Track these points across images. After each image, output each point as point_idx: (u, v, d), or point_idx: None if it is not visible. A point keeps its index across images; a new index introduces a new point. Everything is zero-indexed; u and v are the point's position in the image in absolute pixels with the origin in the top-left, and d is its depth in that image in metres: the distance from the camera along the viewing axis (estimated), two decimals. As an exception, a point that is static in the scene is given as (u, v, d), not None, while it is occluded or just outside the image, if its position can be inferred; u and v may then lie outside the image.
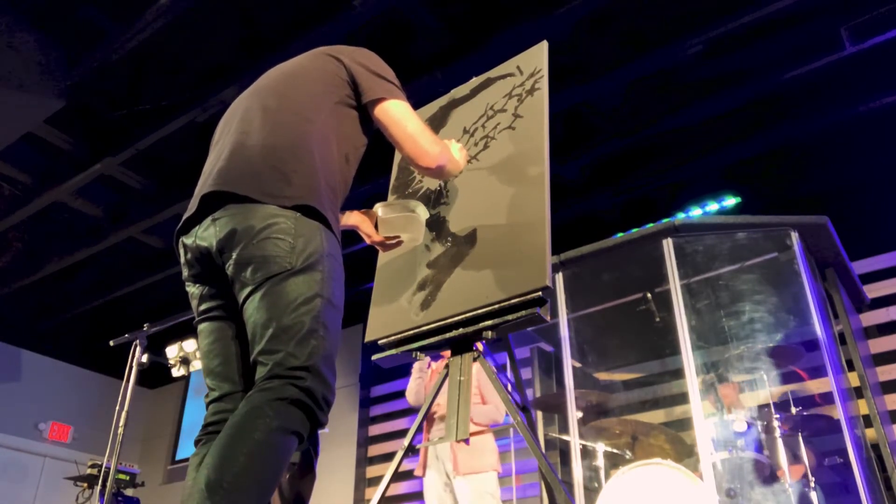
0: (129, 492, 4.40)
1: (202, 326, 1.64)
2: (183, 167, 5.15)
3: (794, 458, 3.37)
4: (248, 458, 1.27)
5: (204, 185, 1.61)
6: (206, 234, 1.54)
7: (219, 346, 1.59)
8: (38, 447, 7.21)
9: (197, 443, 1.54)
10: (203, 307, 1.63)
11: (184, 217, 1.62)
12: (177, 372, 5.24)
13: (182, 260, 1.65)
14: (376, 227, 2.10)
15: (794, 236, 3.40)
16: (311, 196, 1.55)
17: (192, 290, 1.65)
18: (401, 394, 6.32)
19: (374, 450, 6.29)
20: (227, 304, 1.59)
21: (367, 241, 2.12)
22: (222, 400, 1.56)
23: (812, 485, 3.22)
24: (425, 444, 3.81)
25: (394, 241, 2.11)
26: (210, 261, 1.55)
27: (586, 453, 3.63)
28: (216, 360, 1.58)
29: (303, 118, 1.67)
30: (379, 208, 2.05)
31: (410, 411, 6.19)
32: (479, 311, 2.06)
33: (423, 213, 2.06)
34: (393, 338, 2.28)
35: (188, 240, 1.59)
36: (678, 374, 3.68)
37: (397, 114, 1.79)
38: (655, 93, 4.40)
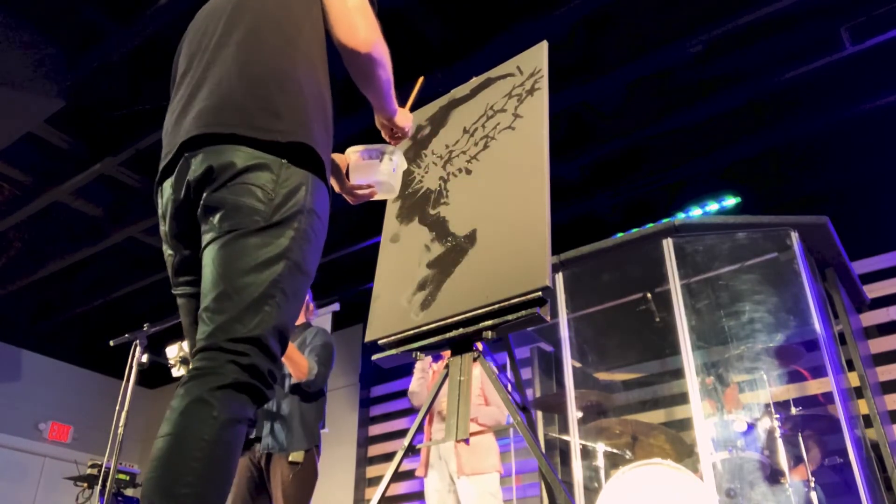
0: (129, 492, 4.40)
1: (181, 301, 1.48)
2: (183, 167, 5.15)
3: (795, 458, 3.37)
4: (201, 464, 1.14)
5: (180, 125, 1.44)
6: (184, 174, 1.39)
7: (196, 328, 1.43)
8: (38, 447, 7.21)
9: None
10: (177, 280, 1.48)
11: (161, 165, 1.47)
12: (177, 372, 5.21)
13: (159, 212, 1.49)
14: (348, 175, 1.83)
15: (794, 236, 3.40)
16: (303, 132, 1.39)
17: (168, 252, 1.49)
18: (401, 394, 6.33)
19: (374, 450, 6.30)
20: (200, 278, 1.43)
21: (336, 189, 1.83)
22: None
23: (812, 484, 3.22)
24: (427, 444, 3.80)
25: (366, 191, 1.82)
26: (186, 207, 1.40)
27: (586, 453, 3.63)
28: (193, 341, 1.41)
29: (285, 42, 1.49)
30: (351, 151, 1.83)
31: (410, 411, 6.19)
32: (479, 311, 2.07)
33: (400, 160, 1.83)
34: (393, 338, 2.28)
35: (167, 187, 1.45)
36: (678, 374, 3.68)
37: None
38: (655, 93, 4.40)
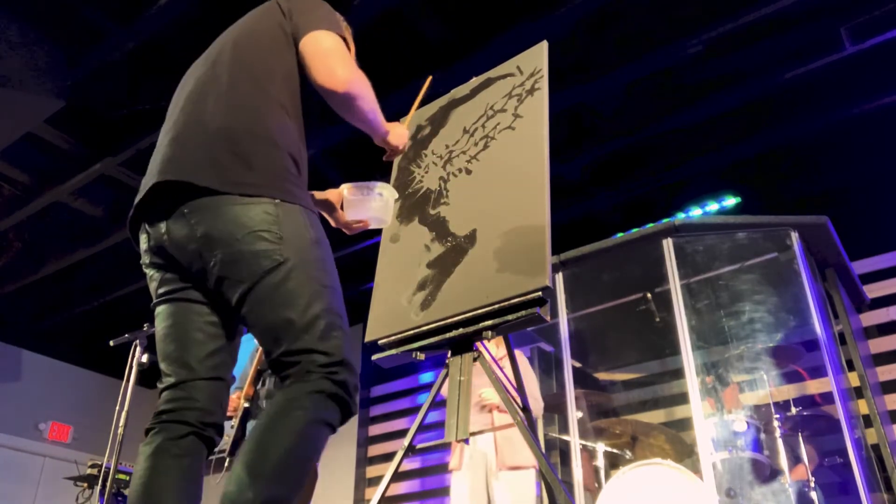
0: (128, 492, 4.39)
1: (161, 308, 1.57)
2: (183, 167, 5.14)
3: (795, 458, 3.37)
4: (287, 451, 1.30)
5: (155, 169, 1.53)
6: (179, 230, 1.48)
7: (177, 330, 1.54)
8: (38, 447, 7.20)
9: (148, 431, 1.49)
10: (163, 290, 1.56)
11: (136, 200, 1.55)
12: (177, 372, 5.22)
13: (143, 247, 1.58)
14: (342, 207, 1.98)
15: (794, 236, 3.40)
16: (274, 183, 1.49)
17: (152, 273, 1.59)
18: (401, 394, 6.34)
19: (374, 450, 6.30)
20: (190, 287, 1.54)
21: (332, 223, 1.98)
22: (178, 387, 1.52)
23: (812, 485, 3.22)
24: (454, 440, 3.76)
25: (360, 225, 1.97)
26: (181, 252, 1.50)
27: (586, 453, 3.63)
28: (173, 344, 1.54)
29: (258, 90, 1.58)
30: (345, 188, 1.97)
31: (410, 411, 6.19)
32: (479, 311, 2.07)
33: (390, 194, 1.98)
34: (393, 338, 2.28)
35: (155, 231, 1.53)
36: (678, 374, 3.69)
37: (318, 37, 1.61)
38: (655, 93, 4.40)
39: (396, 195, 2.00)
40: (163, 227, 1.50)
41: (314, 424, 1.36)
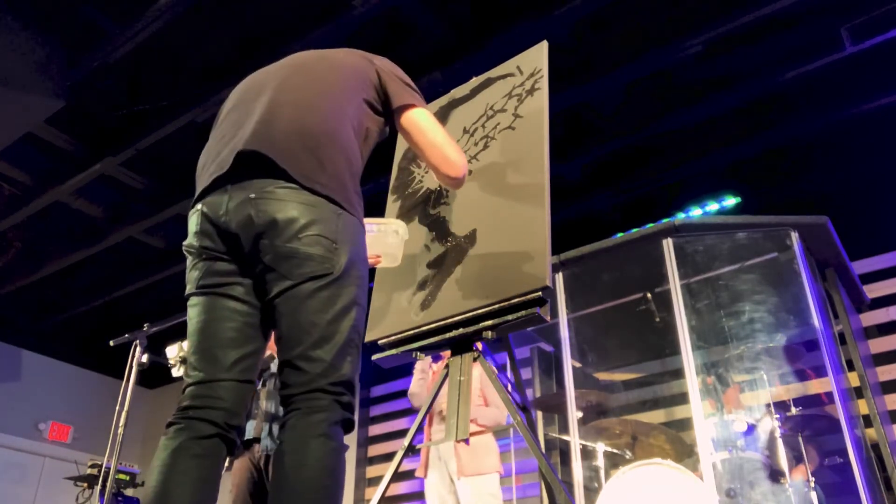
0: (129, 492, 4.39)
1: (197, 300, 1.53)
2: (183, 167, 5.15)
3: (795, 458, 3.37)
4: (326, 490, 1.36)
5: (239, 141, 1.56)
6: (242, 209, 1.48)
7: (213, 326, 1.50)
8: (38, 447, 7.20)
9: (171, 425, 1.45)
10: (206, 281, 1.53)
11: (215, 175, 1.55)
12: (177, 372, 5.19)
13: (194, 228, 1.56)
14: None
15: (794, 236, 3.40)
16: (341, 191, 1.55)
17: (197, 260, 1.55)
18: (401, 394, 6.33)
19: (374, 450, 6.30)
20: (235, 283, 1.52)
21: None
22: (206, 385, 1.47)
23: (812, 485, 3.22)
24: (426, 444, 3.80)
25: (372, 259, 2.04)
26: (242, 228, 1.49)
27: (586, 453, 3.63)
28: (207, 341, 1.49)
29: (337, 108, 1.67)
30: None
31: (410, 411, 6.19)
32: (479, 311, 2.07)
33: (403, 232, 2.07)
34: (393, 338, 2.28)
35: (213, 207, 1.52)
36: (678, 374, 3.68)
37: (425, 122, 1.83)
38: (655, 93, 4.40)
39: (408, 235, 2.09)
40: (225, 201, 1.51)
41: (335, 454, 1.40)
